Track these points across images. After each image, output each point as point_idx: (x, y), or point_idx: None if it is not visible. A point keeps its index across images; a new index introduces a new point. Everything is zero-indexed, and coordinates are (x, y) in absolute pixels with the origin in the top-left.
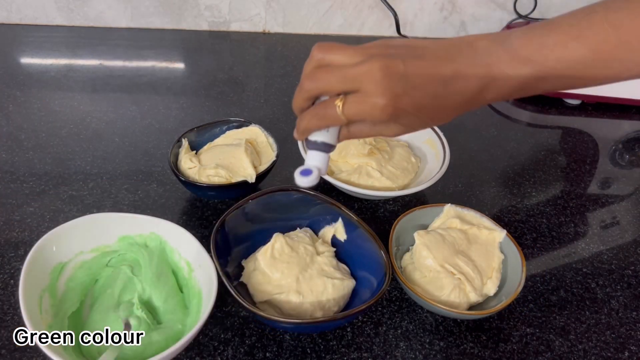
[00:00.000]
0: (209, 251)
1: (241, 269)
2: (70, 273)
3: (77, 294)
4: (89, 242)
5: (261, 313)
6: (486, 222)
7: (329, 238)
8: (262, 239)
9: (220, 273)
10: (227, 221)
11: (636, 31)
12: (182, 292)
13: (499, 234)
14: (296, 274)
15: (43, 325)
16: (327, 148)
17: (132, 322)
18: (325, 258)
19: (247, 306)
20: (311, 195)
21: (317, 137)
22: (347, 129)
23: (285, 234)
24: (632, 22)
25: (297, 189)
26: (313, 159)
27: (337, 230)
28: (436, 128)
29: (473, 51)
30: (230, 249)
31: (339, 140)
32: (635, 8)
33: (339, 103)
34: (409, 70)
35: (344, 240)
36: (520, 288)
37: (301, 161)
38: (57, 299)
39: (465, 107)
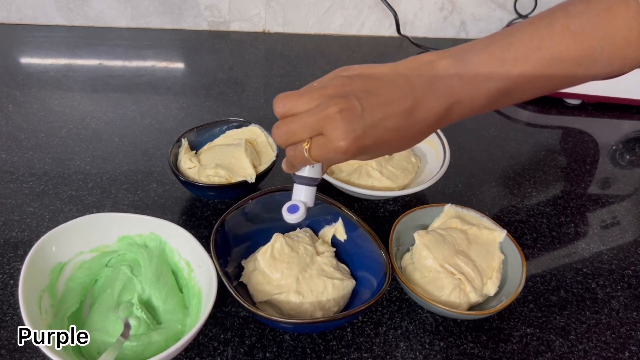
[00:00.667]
0: (208, 251)
1: (241, 269)
2: (70, 273)
3: (77, 294)
4: (88, 242)
5: (261, 313)
6: (486, 222)
7: (329, 238)
8: (262, 239)
9: (220, 273)
10: (227, 221)
11: (597, 37)
12: (182, 292)
13: (499, 234)
14: (296, 274)
15: (43, 325)
16: (312, 182)
17: (132, 322)
18: (325, 258)
19: (247, 306)
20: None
21: (302, 172)
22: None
23: (285, 234)
24: (593, 28)
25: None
26: (299, 194)
27: (337, 230)
28: None
29: (433, 74)
30: (230, 249)
31: (324, 172)
32: (595, 13)
33: (305, 146)
34: (366, 110)
35: (344, 240)
36: (520, 288)
37: None
38: (56, 299)
39: (431, 130)
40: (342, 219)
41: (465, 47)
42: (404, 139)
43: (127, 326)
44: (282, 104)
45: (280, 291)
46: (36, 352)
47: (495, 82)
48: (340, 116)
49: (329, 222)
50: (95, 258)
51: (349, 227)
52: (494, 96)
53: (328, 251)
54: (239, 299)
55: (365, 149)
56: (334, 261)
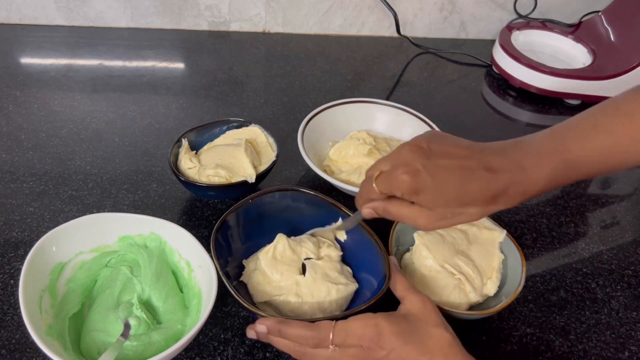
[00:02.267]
0: (208, 251)
1: (241, 269)
2: (71, 274)
3: (79, 295)
4: (88, 242)
5: (261, 313)
6: (486, 222)
7: (330, 238)
8: (263, 239)
9: (220, 273)
10: (227, 221)
11: None
12: (182, 292)
13: (499, 234)
14: (296, 277)
15: (43, 325)
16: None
17: (132, 322)
18: (330, 262)
19: (247, 306)
20: (311, 195)
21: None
22: (384, 205)
23: (291, 237)
24: None
25: (297, 188)
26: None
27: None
28: (436, 128)
29: (501, 149)
30: (230, 249)
31: (370, 210)
32: None
33: (375, 175)
34: (432, 149)
35: (344, 240)
36: (520, 288)
37: (301, 161)
38: (57, 300)
39: (490, 201)
40: (342, 219)
41: (529, 135)
42: (460, 192)
43: (127, 326)
44: (370, 167)
45: (280, 292)
46: (36, 352)
47: (559, 155)
48: (408, 150)
49: (329, 223)
50: (95, 258)
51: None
52: (558, 170)
53: (335, 254)
54: (239, 299)
55: (422, 185)
56: (339, 265)
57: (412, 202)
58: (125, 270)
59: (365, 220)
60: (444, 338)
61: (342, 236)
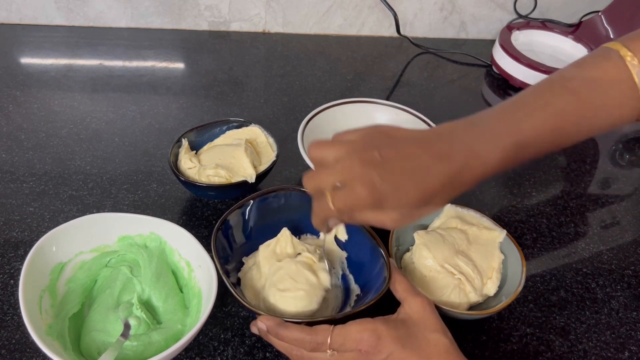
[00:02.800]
0: (209, 251)
1: (242, 266)
2: (71, 274)
3: (79, 295)
4: (88, 242)
5: (260, 312)
6: (486, 222)
7: (331, 243)
8: (263, 238)
9: (220, 271)
10: (227, 221)
11: (593, 92)
12: (182, 292)
13: (499, 234)
14: (284, 270)
15: (43, 325)
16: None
17: (132, 322)
18: (322, 273)
19: (246, 304)
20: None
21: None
22: (347, 216)
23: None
24: (587, 85)
25: (297, 188)
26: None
27: (338, 230)
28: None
29: (451, 134)
30: (231, 248)
31: (334, 226)
32: (587, 72)
33: (328, 196)
34: (384, 156)
35: (345, 240)
36: (520, 288)
37: (301, 161)
38: (57, 300)
39: (449, 190)
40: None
41: (477, 114)
42: (420, 191)
43: (127, 326)
44: (314, 151)
45: (264, 285)
46: (37, 352)
47: (509, 137)
48: (360, 164)
49: None
50: (95, 258)
51: (349, 226)
52: (509, 151)
53: (325, 280)
54: (238, 297)
55: (384, 197)
56: (328, 277)
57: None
58: (125, 270)
59: None
60: (442, 343)
61: (344, 236)
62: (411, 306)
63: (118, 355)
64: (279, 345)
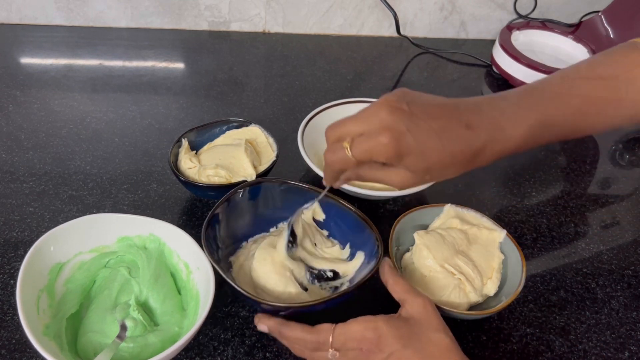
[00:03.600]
0: None
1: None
2: (70, 274)
3: (77, 296)
4: (87, 242)
5: (259, 299)
6: (486, 222)
7: (310, 220)
8: (253, 230)
9: (212, 262)
10: (217, 214)
11: (620, 80)
12: (180, 294)
13: (499, 234)
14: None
15: (40, 325)
16: None
17: (129, 323)
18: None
19: (243, 291)
20: (285, 184)
21: None
22: (356, 171)
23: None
24: (615, 73)
25: (285, 180)
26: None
27: (314, 211)
28: None
29: (478, 106)
30: (219, 240)
31: (342, 182)
32: (615, 59)
33: (347, 145)
34: (412, 110)
35: (324, 219)
36: (520, 288)
37: (301, 161)
38: (55, 300)
39: (468, 160)
40: (312, 201)
41: (501, 92)
42: (443, 154)
43: (123, 328)
44: (334, 128)
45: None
46: (36, 352)
47: (535, 114)
48: (387, 112)
49: (307, 207)
50: (94, 259)
51: (326, 206)
52: (534, 129)
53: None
54: (234, 285)
55: (405, 150)
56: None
57: (384, 164)
58: (123, 271)
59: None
60: (444, 343)
61: (320, 216)
62: (412, 306)
63: (114, 357)
64: (282, 342)
